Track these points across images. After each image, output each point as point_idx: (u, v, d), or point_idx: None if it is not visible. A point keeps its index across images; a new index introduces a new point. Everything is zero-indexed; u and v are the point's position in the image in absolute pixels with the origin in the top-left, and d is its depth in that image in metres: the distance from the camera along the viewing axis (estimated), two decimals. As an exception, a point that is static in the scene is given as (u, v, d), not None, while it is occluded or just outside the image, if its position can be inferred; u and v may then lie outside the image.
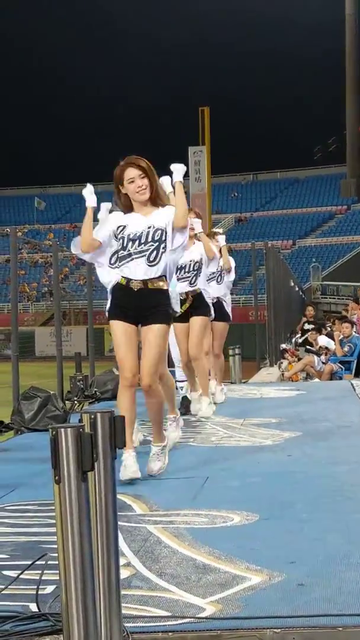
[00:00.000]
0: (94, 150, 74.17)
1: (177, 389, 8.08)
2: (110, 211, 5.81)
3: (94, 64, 79.63)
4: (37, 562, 3.46)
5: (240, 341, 17.63)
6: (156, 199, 5.60)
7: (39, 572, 3.38)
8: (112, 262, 5.69)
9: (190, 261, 8.10)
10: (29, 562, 3.54)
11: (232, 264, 9.73)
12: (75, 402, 10.06)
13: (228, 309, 9.72)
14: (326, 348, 16.11)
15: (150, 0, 78.78)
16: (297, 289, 31.09)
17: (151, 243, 5.54)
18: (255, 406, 9.67)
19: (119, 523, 2.87)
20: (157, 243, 5.54)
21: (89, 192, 5.68)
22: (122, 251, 5.57)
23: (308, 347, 16.77)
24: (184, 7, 76.68)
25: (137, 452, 5.65)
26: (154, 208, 5.61)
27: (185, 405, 8.65)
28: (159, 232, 5.55)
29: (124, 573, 3.56)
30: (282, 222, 61.14)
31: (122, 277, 5.58)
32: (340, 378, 14.46)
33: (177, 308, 6.71)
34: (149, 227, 5.55)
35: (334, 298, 44.66)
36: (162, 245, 5.56)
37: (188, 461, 6.26)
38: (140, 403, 5.84)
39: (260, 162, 67.60)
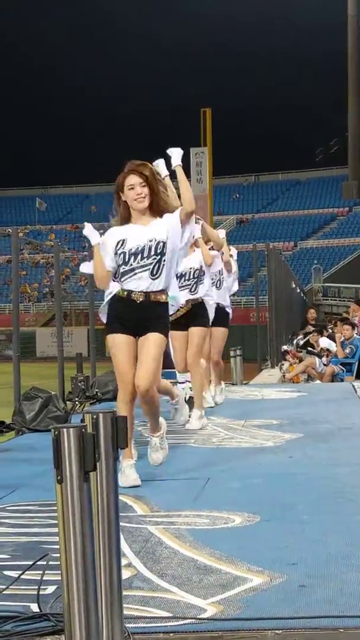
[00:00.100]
0: (94, 151, 74.29)
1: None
2: (108, 226, 5.72)
3: (94, 64, 79.65)
4: (38, 563, 3.46)
5: (241, 342, 17.67)
6: (157, 210, 5.49)
7: (40, 572, 3.38)
8: (114, 276, 5.56)
9: (190, 269, 7.91)
10: (30, 563, 3.54)
11: (234, 267, 9.61)
12: (77, 402, 10.07)
13: (228, 313, 9.49)
14: (327, 350, 16.10)
15: (150, 0, 78.79)
16: (298, 290, 31.05)
17: (154, 257, 5.45)
18: (256, 407, 9.67)
19: (120, 524, 2.87)
20: (159, 256, 5.46)
21: (89, 231, 5.66)
22: (124, 266, 5.47)
23: (309, 348, 16.76)
24: (184, 7, 76.63)
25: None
26: (152, 218, 5.51)
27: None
28: (161, 244, 5.46)
29: (125, 574, 3.56)
30: (284, 223, 61.07)
31: (122, 289, 5.50)
32: (342, 380, 14.46)
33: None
34: (150, 240, 5.45)
35: (336, 300, 44.60)
36: (163, 259, 5.48)
37: (189, 462, 6.26)
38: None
39: (262, 163, 67.64)
